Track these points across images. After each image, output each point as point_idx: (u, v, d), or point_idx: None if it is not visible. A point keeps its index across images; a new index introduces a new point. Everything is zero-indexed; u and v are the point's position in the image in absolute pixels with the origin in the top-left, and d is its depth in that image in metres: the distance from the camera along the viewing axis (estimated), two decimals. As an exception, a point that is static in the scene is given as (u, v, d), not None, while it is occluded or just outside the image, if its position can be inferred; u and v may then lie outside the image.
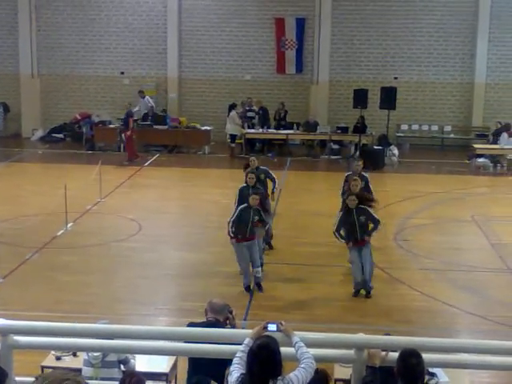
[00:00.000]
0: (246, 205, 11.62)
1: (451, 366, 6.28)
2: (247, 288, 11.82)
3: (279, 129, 24.86)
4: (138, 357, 7.51)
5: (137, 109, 24.71)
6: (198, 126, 25.10)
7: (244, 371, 5.25)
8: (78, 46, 27.03)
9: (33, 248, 13.70)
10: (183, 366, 7.29)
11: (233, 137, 24.14)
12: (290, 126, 24.97)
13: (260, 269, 11.87)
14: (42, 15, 26.87)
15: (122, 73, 27.12)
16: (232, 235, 11.64)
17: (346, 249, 12.56)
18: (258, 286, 11.91)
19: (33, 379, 5.52)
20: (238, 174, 21.45)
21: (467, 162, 23.02)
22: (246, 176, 12.81)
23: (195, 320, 7.07)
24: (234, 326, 6.97)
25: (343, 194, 12.96)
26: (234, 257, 12.04)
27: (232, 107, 24.62)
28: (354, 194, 11.66)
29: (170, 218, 16.32)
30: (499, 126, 24.07)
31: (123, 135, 22.97)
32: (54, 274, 12.51)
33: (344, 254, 13.49)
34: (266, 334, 5.54)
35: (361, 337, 5.86)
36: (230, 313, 6.99)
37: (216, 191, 18.31)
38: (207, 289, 11.88)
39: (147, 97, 25.25)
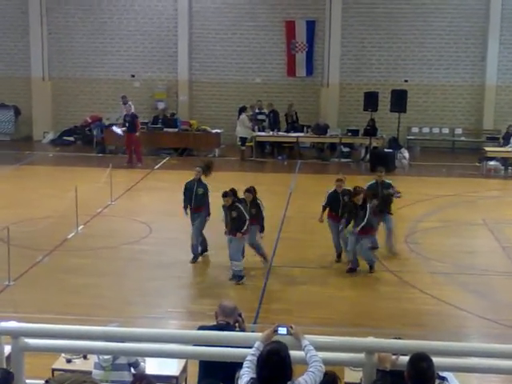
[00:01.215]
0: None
1: (461, 369, 6.25)
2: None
3: (292, 131, 24.84)
4: (148, 360, 7.52)
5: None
6: (208, 128, 25.11)
7: (254, 375, 5.24)
8: (89, 50, 27.12)
9: (44, 251, 13.75)
10: (193, 369, 7.29)
11: (243, 140, 24.14)
12: (300, 129, 24.97)
13: (235, 262, 12.51)
14: (52, 19, 26.96)
15: (133, 76, 27.18)
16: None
17: None
18: (234, 277, 12.56)
19: (43, 382, 5.57)
20: (248, 176, 21.55)
21: (478, 164, 22.93)
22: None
23: (206, 323, 7.08)
24: (243, 330, 6.96)
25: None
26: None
27: (242, 110, 24.62)
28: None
29: (181, 220, 16.24)
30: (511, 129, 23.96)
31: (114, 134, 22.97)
32: (65, 276, 12.55)
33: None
34: (276, 337, 5.54)
35: (371, 340, 5.85)
36: (240, 315, 6.99)
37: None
38: (217, 292, 11.89)
39: (130, 103, 24.49)
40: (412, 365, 5.33)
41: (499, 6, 25.25)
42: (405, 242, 14.85)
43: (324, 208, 13.66)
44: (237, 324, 6.90)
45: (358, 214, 12.87)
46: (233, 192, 12.82)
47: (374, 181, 14.20)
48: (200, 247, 13.65)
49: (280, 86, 26.73)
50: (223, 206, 12.74)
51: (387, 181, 14.25)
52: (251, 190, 13.08)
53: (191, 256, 13.49)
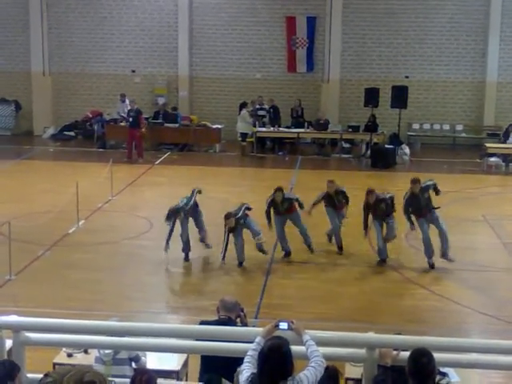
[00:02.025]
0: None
1: (462, 365, 6.26)
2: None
3: (297, 126, 24.84)
4: (149, 354, 7.52)
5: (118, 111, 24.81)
6: (208, 124, 25.11)
7: (255, 370, 5.24)
8: (89, 45, 27.10)
9: (44, 245, 13.76)
10: (194, 364, 7.30)
11: (243, 135, 24.14)
12: (301, 125, 24.95)
13: (260, 236, 13.07)
14: (53, 13, 26.94)
15: (133, 71, 27.17)
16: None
17: (355, 248, 13.55)
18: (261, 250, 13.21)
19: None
20: (249, 172, 21.60)
21: (479, 161, 22.92)
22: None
23: (207, 318, 7.08)
24: (245, 325, 6.97)
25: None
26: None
27: (243, 106, 24.62)
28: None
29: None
30: (512, 128, 23.97)
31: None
32: (66, 271, 12.56)
33: (353, 252, 13.54)
34: (277, 332, 5.54)
35: (372, 336, 5.85)
36: (242, 310, 6.99)
37: (227, 189, 18.32)
38: (218, 287, 11.91)
39: (127, 101, 24.37)
40: (412, 360, 5.32)
41: (500, 3, 25.21)
42: (405, 237, 14.83)
43: (314, 205, 13.85)
44: (238, 319, 6.90)
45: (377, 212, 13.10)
46: (231, 215, 12.90)
47: (408, 193, 13.30)
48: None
49: (280, 81, 26.72)
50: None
51: (427, 184, 13.53)
52: (281, 189, 13.36)
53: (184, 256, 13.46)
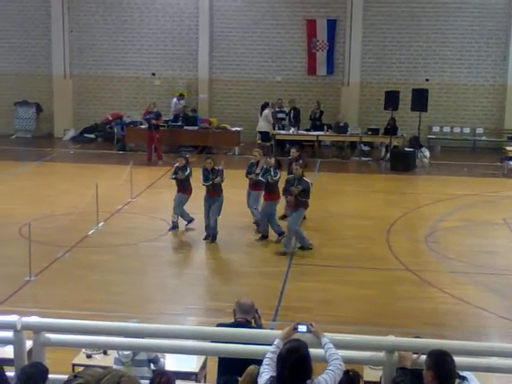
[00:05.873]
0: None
1: (482, 369, 6.21)
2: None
3: (315, 129, 24.81)
4: (168, 356, 7.54)
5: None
6: (228, 126, 25.13)
7: (274, 373, 5.23)
8: (109, 47, 27.25)
9: (64, 247, 13.83)
10: (212, 366, 7.31)
11: (264, 135, 24.10)
12: (319, 128, 24.92)
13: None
14: (74, 17, 27.11)
15: (154, 74, 27.28)
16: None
17: (374, 251, 12.80)
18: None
19: (62, 376, 5.60)
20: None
21: (499, 164, 22.77)
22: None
23: (224, 321, 7.08)
24: (259, 326, 6.94)
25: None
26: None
27: (265, 106, 24.56)
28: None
29: (200, 218, 16.35)
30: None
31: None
32: (85, 272, 12.62)
33: (372, 255, 13.51)
34: (296, 335, 5.54)
35: (391, 339, 5.83)
36: (256, 312, 6.97)
37: (245, 192, 18.28)
38: (236, 289, 11.91)
39: (183, 102, 24.47)
40: (435, 359, 5.23)
41: (521, 5, 25.09)
42: (425, 241, 14.79)
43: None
44: (253, 320, 6.88)
45: None
46: None
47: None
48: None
49: (300, 84, 26.70)
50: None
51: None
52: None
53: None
